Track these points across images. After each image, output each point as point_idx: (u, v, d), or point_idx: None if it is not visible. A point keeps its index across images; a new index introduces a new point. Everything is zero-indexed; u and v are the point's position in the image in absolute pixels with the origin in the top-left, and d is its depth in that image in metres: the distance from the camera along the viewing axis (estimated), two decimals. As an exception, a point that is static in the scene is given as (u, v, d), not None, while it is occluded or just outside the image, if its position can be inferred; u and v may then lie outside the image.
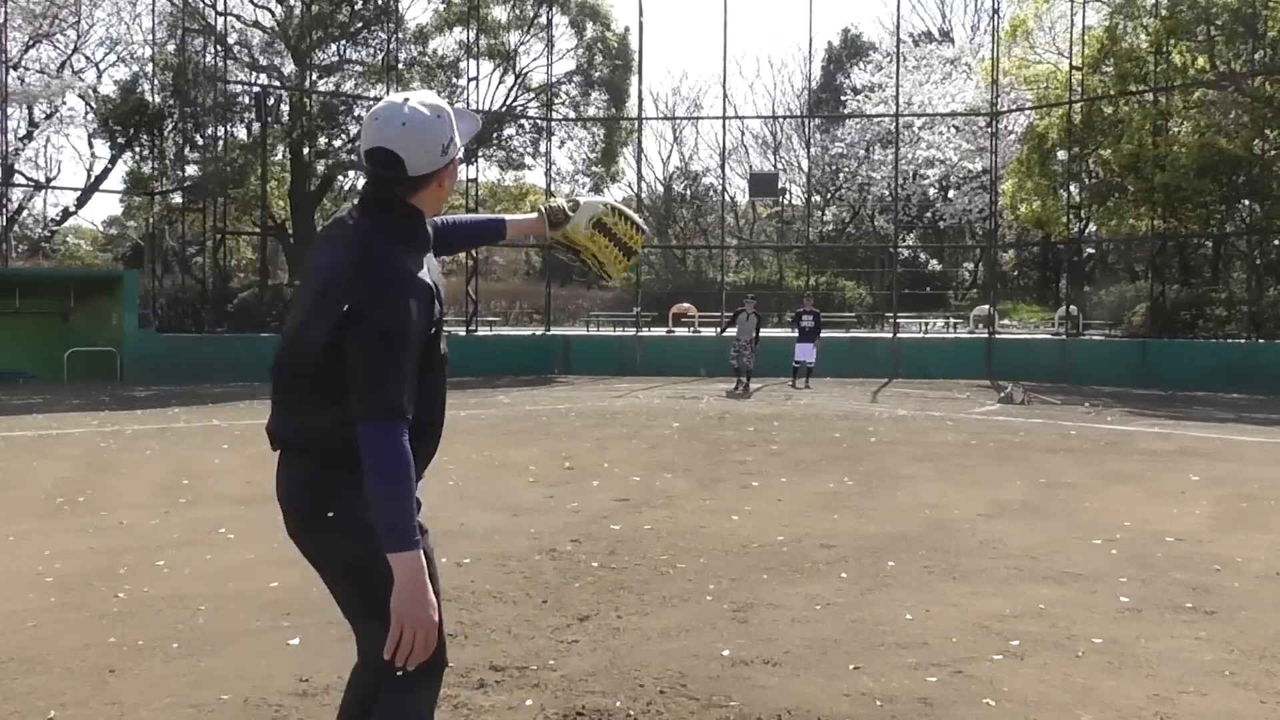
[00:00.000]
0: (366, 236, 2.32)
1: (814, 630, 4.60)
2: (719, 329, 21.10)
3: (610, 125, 32.26)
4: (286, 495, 2.39)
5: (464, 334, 27.37)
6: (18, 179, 31.34)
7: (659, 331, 31.52)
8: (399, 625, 2.16)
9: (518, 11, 31.13)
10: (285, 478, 2.39)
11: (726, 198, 42.18)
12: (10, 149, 28.17)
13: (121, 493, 8.16)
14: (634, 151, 33.74)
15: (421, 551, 2.19)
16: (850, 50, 48.16)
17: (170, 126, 27.21)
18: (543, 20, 30.93)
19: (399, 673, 2.24)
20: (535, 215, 2.83)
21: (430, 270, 2.36)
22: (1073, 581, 5.47)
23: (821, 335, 21.61)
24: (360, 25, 28.77)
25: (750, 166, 46.78)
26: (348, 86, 29.28)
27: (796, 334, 21.40)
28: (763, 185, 35.78)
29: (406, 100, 2.33)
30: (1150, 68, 24.21)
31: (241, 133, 29.01)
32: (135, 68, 30.53)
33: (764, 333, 20.57)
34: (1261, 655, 4.28)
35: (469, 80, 29.03)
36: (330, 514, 2.30)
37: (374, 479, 2.15)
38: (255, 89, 27.76)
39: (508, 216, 2.89)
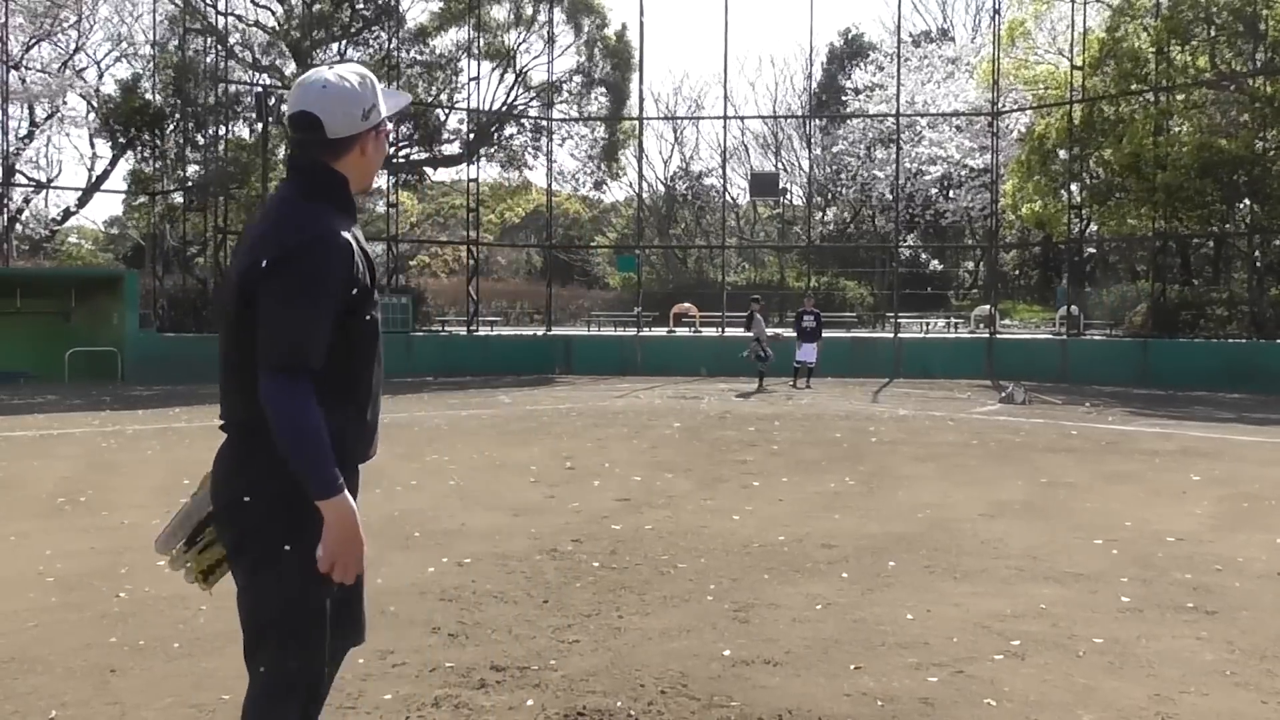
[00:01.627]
0: (285, 195, 2.33)
1: (815, 630, 4.60)
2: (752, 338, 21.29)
3: (611, 124, 32.26)
4: (212, 484, 2.39)
5: (465, 334, 27.38)
6: (19, 179, 31.34)
7: (660, 331, 31.52)
8: (328, 563, 2.21)
9: (516, 10, 31.14)
10: (214, 466, 2.39)
11: (727, 198, 42.17)
12: (11, 149, 28.16)
13: (123, 492, 8.17)
14: (635, 151, 33.75)
15: (347, 495, 2.20)
16: (851, 50, 48.14)
17: (172, 126, 27.27)
18: (541, 19, 30.93)
19: (261, 670, 2.30)
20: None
21: (358, 239, 2.32)
22: (1074, 581, 5.47)
23: (823, 336, 21.64)
24: (361, 25, 28.80)
25: (751, 167, 46.77)
26: (348, 86, 29.27)
27: (797, 334, 21.46)
28: (764, 185, 35.79)
29: (331, 68, 2.36)
30: (1151, 68, 24.20)
31: (243, 132, 29.06)
32: (137, 67, 30.60)
33: (767, 332, 21.04)
34: (1263, 655, 4.28)
35: (469, 79, 29.06)
36: (246, 499, 2.28)
37: (276, 430, 2.15)
38: (256, 88, 27.78)
39: None
